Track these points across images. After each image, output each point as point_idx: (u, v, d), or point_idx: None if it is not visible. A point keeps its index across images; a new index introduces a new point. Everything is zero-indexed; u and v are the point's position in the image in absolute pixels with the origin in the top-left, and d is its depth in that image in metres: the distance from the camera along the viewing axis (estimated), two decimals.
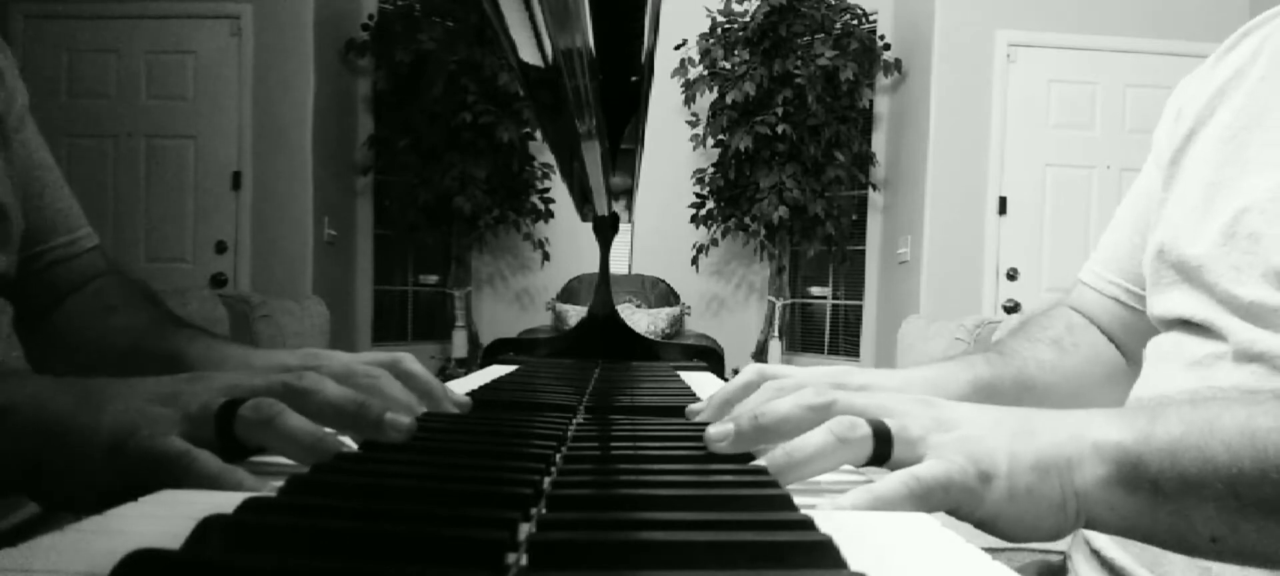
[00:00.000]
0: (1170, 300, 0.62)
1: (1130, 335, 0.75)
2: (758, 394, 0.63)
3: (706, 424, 0.66)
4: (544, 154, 4.67)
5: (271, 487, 0.37)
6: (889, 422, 0.41)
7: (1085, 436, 0.39)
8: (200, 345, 0.69)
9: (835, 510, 0.37)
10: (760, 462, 0.42)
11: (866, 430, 0.41)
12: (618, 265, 4.53)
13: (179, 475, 0.39)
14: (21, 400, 0.43)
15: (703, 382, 0.98)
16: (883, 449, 0.41)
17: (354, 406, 0.44)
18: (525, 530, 0.31)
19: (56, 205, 0.76)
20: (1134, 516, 0.39)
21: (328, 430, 0.43)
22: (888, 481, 0.38)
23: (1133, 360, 0.75)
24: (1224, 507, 0.36)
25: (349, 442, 0.44)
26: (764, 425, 0.44)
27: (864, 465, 0.42)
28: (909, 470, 0.39)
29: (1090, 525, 0.40)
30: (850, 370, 0.68)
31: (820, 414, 0.43)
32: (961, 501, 0.38)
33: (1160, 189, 0.67)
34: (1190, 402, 0.40)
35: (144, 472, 0.39)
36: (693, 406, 0.67)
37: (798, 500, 0.36)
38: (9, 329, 0.69)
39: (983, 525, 0.39)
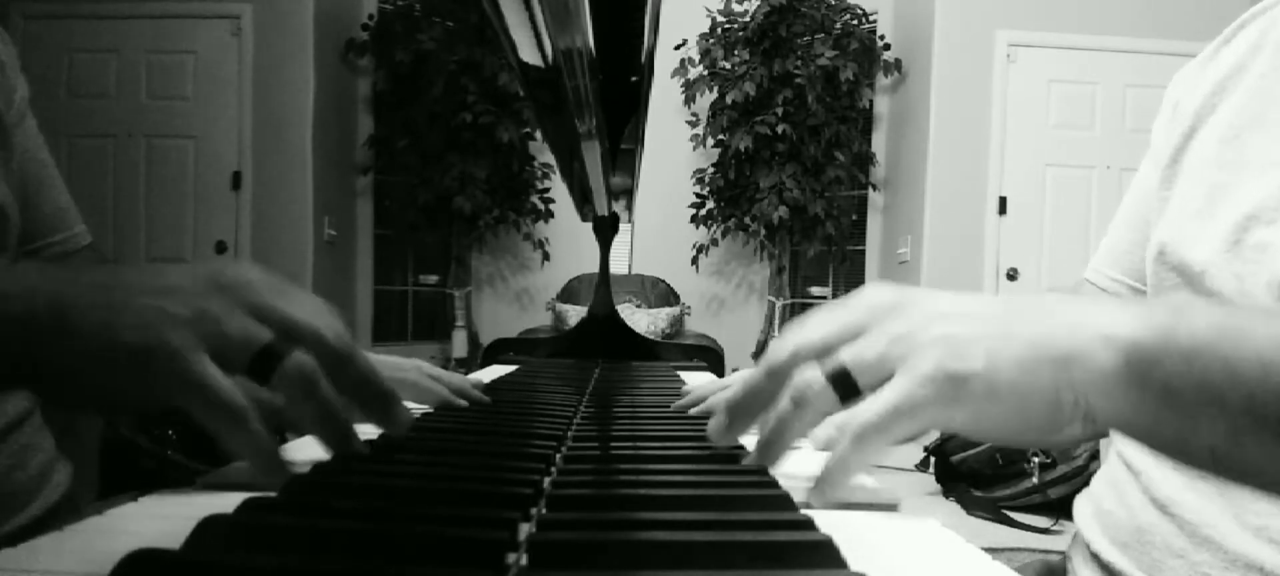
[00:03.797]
0: None
1: None
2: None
3: (694, 416, 0.69)
4: (544, 154, 4.66)
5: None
6: (842, 357, 0.39)
7: (1088, 327, 0.36)
8: None
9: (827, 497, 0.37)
10: (747, 463, 0.42)
11: (821, 382, 0.38)
12: (618, 265, 4.53)
13: (195, 405, 0.35)
14: (12, 289, 0.37)
15: (702, 383, 0.98)
16: (847, 389, 0.38)
17: (374, 389, 0.41)
18: (525, 530, 0.31)
19: (54, 202, 0.76)
20: (1134, 415, 0.36)
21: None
22: (860, 425, 0.36)
23: None
24: (1235, 422, 0.34)
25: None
26: (735, 404, 0.43)
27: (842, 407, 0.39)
28: (881, 403, 0.36)
29: (1089, 422, 0.37)
30: None
31: (784, 374, 0.41)
32: (937, 417, 0.36)
33: (1158, 187, 0.67)
34: (1221, 307, 0.36)
35: (165, 393, 0.35)
36: (678, 404, 0.69)
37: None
38: None
39: (966, 430, 0.37)
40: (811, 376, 0.39)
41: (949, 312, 0.38)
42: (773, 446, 0.40)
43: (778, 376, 0.41)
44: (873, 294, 0.41)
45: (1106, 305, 0.37)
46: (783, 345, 0.42)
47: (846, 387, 0.38)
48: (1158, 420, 0.35)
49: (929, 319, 0.38)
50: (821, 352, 0.40)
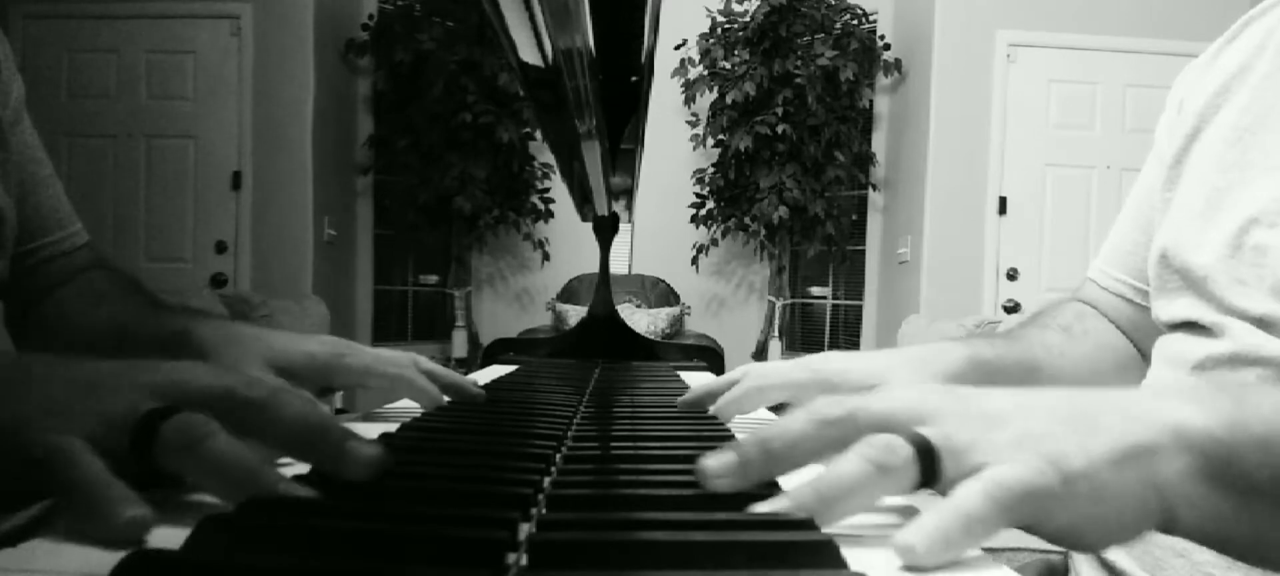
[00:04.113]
0: (1175, 307, 0.62)
1: (1138, 332, 0.74)
2: (738, 389, 0.65)
3: (699, 415, 0.68)
4: (544, 154, 4.66)
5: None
6: (928, 433, 0.34)
7: (1160, 419, 0.33)
8: (209, 326, 0.65)
9: (920, 537, 0.30)
10: (783, 503, 0.34)
11: (908, 451, 0.33)
12: (618, 265, 4.54)
13: (48, 480, 0.32)
14: None
15: (702, 383, 0.98)
16: (929, 469, 0.33)
17: (313, 431, 0.36)
18: (525, 530, 0.31)
19: (50, 202, 0.76)
20: (1217, 517, 0.33)
21: (275, 460, 0.37)
22: (967, 494, 0.31)
23: (1146, 355, 0.73)
24: None
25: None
26: (774, 452, 0.36)
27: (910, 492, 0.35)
28: (989, 477, 0.32)
29: (1168, 527, 0.33)
30: (828, 356, 0.68)
31: (838, 428, 0.36)
32: (1044, 510, 0.32)
33: (1161, 188, 0.66)
34: (1273, 388, 0.35)
35: (25, 476, 0.33)
36: (683, 398, 0.69)
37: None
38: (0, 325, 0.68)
39: (1060, 536, 0.33)
40: (895, 443, 0.34)
41: (1017, 410, 0.35)
42: (838, 505, 0.33)
43: (831, 428, 0.36)
44: (922, 389, 0.37)
45: (1166, 395, 0.35)
46: (833, 403, 0.37)
47: (928, 467, 0.34)
48: (1239, 522, 0.33)
49: (1004, 415, 0.34)
50: (884, 425, 0.35)
